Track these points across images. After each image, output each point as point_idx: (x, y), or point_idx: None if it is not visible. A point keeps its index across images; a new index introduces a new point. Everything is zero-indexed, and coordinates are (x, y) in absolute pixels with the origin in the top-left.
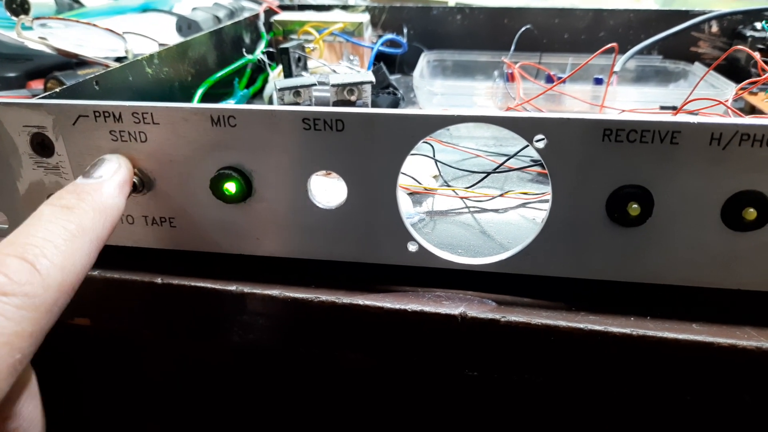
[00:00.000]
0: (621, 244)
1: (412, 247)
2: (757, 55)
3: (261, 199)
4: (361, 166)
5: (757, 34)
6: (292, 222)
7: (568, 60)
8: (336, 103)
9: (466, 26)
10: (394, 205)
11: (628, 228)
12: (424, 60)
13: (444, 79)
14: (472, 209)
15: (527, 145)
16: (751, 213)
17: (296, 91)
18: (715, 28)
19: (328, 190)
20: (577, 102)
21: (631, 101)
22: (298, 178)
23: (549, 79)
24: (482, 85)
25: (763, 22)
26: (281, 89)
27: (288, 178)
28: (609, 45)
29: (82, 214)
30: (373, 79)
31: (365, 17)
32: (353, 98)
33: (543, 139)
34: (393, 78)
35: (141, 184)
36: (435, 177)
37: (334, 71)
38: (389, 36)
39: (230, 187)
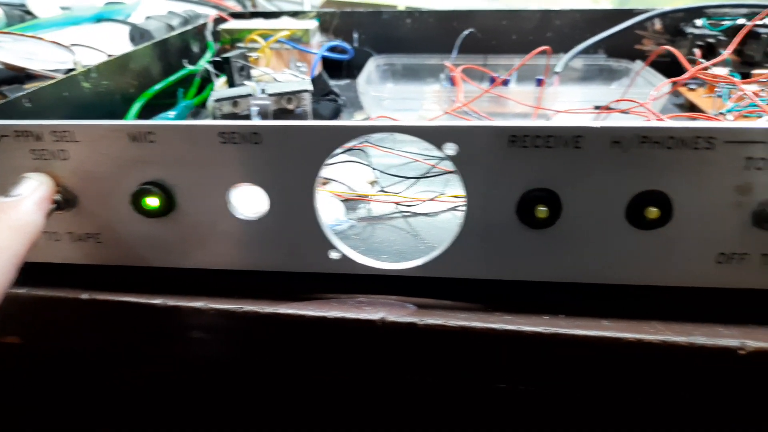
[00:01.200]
0: (533, 245)
1: (334, 255)
2: (679, 53)
3: (184, 212)
4: (279, 178)
5: (697, 32)
6: (216, 234)
7: (514, 61)
8: (275, 112)
9: (416, 30)
10: (313, 215)
11: (538, 230)
12: (373, 64)
13: (394, 83)
14: (405, 214)
15: None
16: (653, 212)
17: (234, 101)
18: (658, 26)
19: (258, 200)
20: (519, 103)
21: (573, 101)
22: (218, 190)
23: (493, 81)
24: (430, 88)
25: (704, 19)
26: (217, 100)
27: (209, 191)
28: (541, 48)
29: None
30: (310, 87)
31: (313, 24)
32: (291, 107)
33: (453, 147)
34: (342, 83)
35: (65, 202)
36: (372, 183)
37: (276, 79)
38: (333, 42)
39: (152, 202)
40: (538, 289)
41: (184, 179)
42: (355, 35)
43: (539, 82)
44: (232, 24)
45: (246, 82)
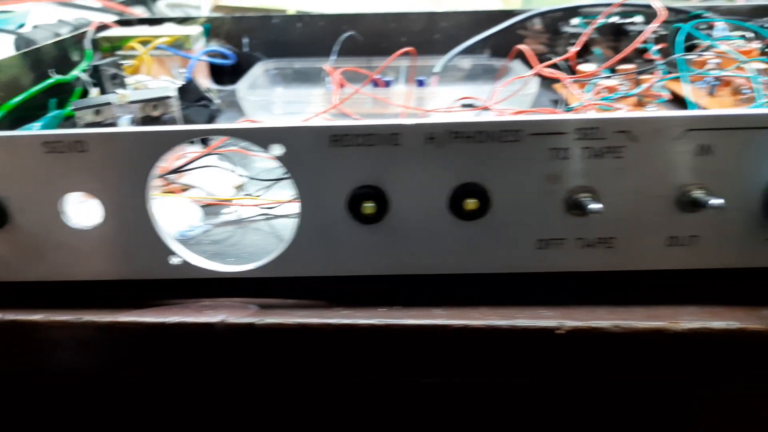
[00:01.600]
0: (366, 240)
1: (174, 261)
2: (530, 51)
3: (18, 225)
4: (110, 185)
5: (572, 30)
6: (53, 245)
7: (401, 63)
8: (142, 120)
9: (307, 34)
10: (149, 221)
11: (368, 225)
12: (261, 69)
13: (285, 86)
14: (268, 216)
15: None
16: (471, 203)
17: (96, 110)
18: (538, 26)
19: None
20: (388, 103)
21: (452, 100)
22: (50, 201)
23: (375, 84)
24: (316, 91)
25: (580, 18)
26: (76, 109)
27: (41, 202)
28: (404, 49)
29: None
30: (173, 93)
31: (196, 30)
32: (157, 113)
33: (279, 148)
34: (230, 89)
35: None
36: (238, 187)
37: (147, 86)
38: (212, 48)
39: None
40: (376, 283)
41: (14, 191)
42: (245, 40)
43: (420, 83)
44: (113, 31)
45: (119, 91)
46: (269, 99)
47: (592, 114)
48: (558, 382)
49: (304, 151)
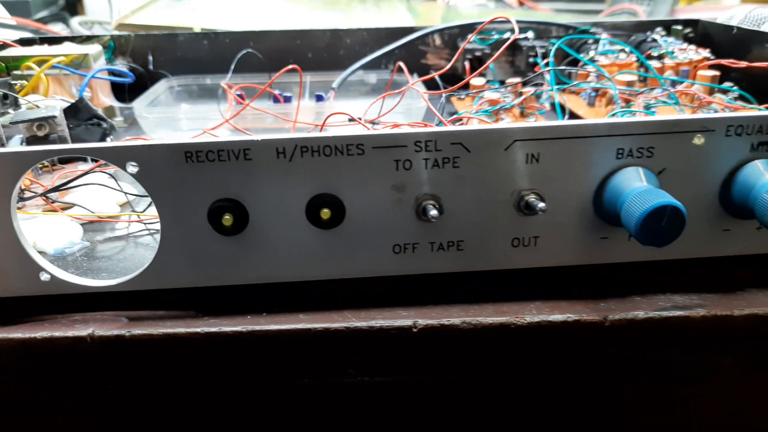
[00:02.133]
0: (228, 251)
1: (44, 277)
2: (400, 64)
3: None
4: None
5: (468, 46)
6: None
7: (307, 78)
8: (28, 140)
9: (213, 51)
10: (16, 239)
11: (229, 237)
12: (164, 86)
13: (190, 103)
14: (152, 231)
15: None
16: (326, 213)
17: None
18: (438, 42)
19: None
20: (278, 117)
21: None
22: None
23: (276, 100)
24: (223, 107)
25: (475, 35)
26: None
27: None
28: (289, 66)
29: None
30: (56, 113)
31: (95, 48)
32: (42, 133)
33: (135, 165)
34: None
35: None
36: (123, 204)
37: (37, 106)
38: (109, 66)
39: None
40: (242, 291)
41: None
42: (150, 58)
43: (319, 98)
44: (9, 51)
45: (10, 110)
46: (171, 116)
47: (428, 128)
48: (411, 373)
49: (159, 169)
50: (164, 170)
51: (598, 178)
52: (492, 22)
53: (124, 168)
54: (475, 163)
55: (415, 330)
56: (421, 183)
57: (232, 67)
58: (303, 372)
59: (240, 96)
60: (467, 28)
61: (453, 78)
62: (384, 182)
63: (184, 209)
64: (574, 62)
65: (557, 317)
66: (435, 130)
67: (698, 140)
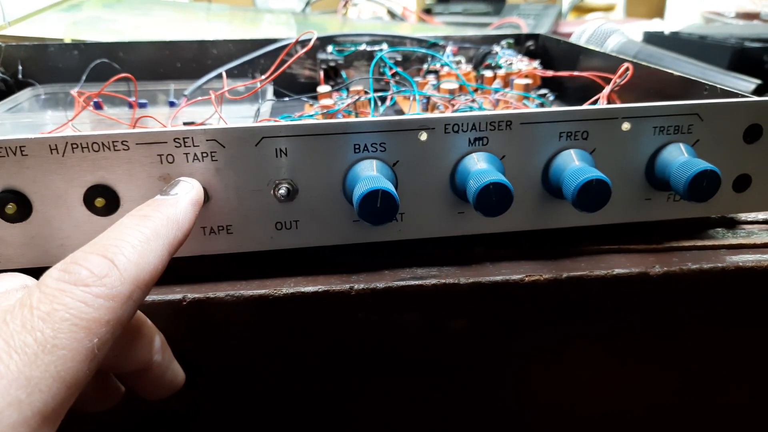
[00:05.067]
0: (15, 237)
1: None
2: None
3: None
4: None
5: (324, 56)
6: None
7: (170, 86)
8: None
9: (84, 61)
10: None
11: (15, 224)
12: (28, 94)
13: (56, 110)
14: None
15: None
16: (100, 201)
17: None
18: (301, 51)
19: None
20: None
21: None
22: None
23: (130, 106)
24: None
25: (333, 45)
26: None
27: None
28: (119, 75)
29: (157, 221)
30: None
31: None
32: None
33: None
34: None
35: None
36: None
37: None
38: None
39: None
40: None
41: None
42: (20, 67)
43: (172, 104)
44: None
45: None
46: (33, 121)
47: (186, 127)
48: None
49: None
50: None
51: (342, 171)
52: (345, 35)
53: None
54: (230, 157)
55: (184, 303)
56: (184, 175)
57: (84, 77)
58: None
59: (96, 104)
60: (327, 40)
61: (312, 85)
62: (151, 173)
63: None
64: (418, 72)
65: (310, 289)
66: (191, 128)
67: (422, 137)
